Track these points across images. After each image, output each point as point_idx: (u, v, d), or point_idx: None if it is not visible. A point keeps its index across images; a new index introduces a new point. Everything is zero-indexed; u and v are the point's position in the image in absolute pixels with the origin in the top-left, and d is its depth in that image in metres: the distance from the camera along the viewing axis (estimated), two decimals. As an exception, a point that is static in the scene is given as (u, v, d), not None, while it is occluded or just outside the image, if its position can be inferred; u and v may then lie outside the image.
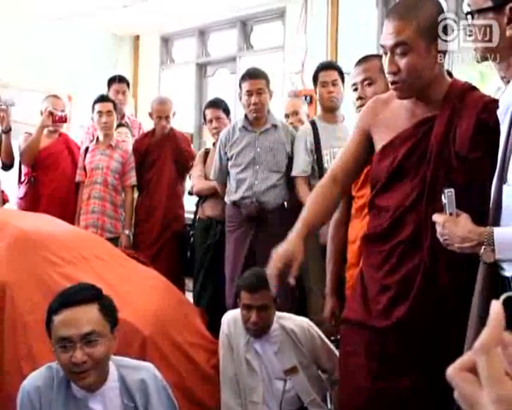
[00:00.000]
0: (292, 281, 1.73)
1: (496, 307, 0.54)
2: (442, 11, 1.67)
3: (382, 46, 1.69)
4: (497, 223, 1.46)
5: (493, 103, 1.66)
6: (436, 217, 1.50)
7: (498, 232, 1.41)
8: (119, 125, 4.39)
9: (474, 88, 1.76)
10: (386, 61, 1.68)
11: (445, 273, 1.66)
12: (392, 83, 1.69)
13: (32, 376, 1.79)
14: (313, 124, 3.28)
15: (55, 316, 1.70)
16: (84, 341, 1.67)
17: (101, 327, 1.72)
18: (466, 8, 1.54)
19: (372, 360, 1.79)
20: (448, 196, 1.47)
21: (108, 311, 1.77)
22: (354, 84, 2.50)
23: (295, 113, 3.78)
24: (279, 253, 1.75)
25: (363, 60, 2.46)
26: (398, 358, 1.75)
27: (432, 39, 1.63)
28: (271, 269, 1.73)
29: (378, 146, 1.83)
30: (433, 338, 1.70)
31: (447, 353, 1.64)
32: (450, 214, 1.48)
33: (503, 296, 0.55)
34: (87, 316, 1.70)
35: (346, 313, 1.93)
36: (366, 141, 1.86)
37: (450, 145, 1.66)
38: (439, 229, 1.49)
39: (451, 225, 1.47)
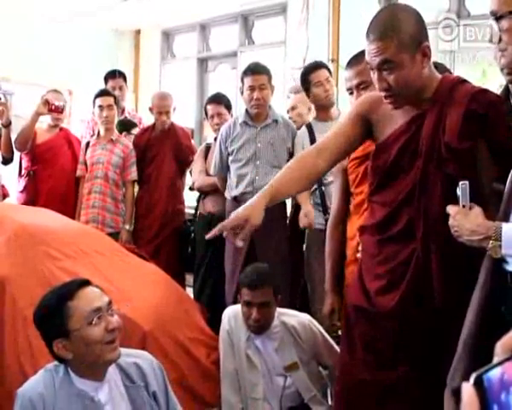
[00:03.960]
0: (239, 243, 1.73)
1: (468, 390, 0.52)
2: (419, 18, 1.70)
3: (368, 63, 1.71)
4: (507, 214, 1.46)
5: (482, 93, 1.68)
6: (449, 208, 1.53)
7: (506, 228, 1.41)
8: (132, 125, 4.36)
9: (464, 81, 1.77)
10: (375, 78, 1.71)
11: (437, 264, 1.67)
12: (386, 97, 1.72)
13: (32, 382, 1.77)
14: (309, 127, 3.27)
15: (71, 302, 1.73)
16: (109, 311, 1.76)
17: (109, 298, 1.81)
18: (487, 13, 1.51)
19: (367, 349, 1.81)
20: (462, 189, 1.50)
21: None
22: (349, 89, 2.46)
23: (293, 108, 3.76)
24: (237, 214, 1.72)
25: (354, 62, 2.39)
26: (390, 348, 1.77)
27: (415, 49, 1.66)
28: (222, 226, 1.71)
29: (377, 141, 1.85)
30: (424, 330, 1.72)
31: (439, 345, 1.68)
32: (463, 206, 1.49)
33: (473, 376, 0.54)
34: (98, 291, 1.79)
35: (347, 298, 1.95)
36: (363, 125, 1.85)
37: (440, 136, 1.67)
38: (450, 220, 1.52)
39: (462, 217, 1.49)
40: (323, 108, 3.30)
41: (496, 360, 0.54)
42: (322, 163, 1.83)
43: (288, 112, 3.80)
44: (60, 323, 1.72)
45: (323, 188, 3.18)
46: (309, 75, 3.26)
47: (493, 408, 0.51)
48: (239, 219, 1.71)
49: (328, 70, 3.35)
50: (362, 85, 2.34)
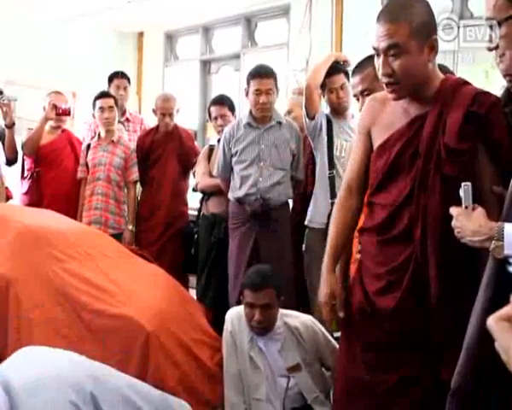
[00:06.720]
0: (341, 315, 1.91)
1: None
2: (431, 10, 1.72)
3: (374, 48, 1.71)
4: (510, 215, 1.46)
5: (484, 95, 1.69)
6: (452, 209, 1.53)
7: (509, 228, 1.41)
8: None
9: (466, 83, 1.78)
10: (379, 62, 1.70)
11: (434, 264, 1.68)
12: (387, 84, 1.72)
13: None
14: (328, 117, 3.24)
15: None
16: None
17: None
18: (485, 19, 1.52)
19: (367, 350, 1.82)
20: (465, 190, 1.51)
21: None
22: (355, 95, 2.53)
23: (289, 111, 3.77)
24: (323, 301, 1.92)
25: (359, 69, 2.46)
26: (391, 349, 1.77)
27: (424, 39, 1.66)
28: (326, 318, 1.94)
29: (375, 145, 1.86)
30: (424, 330, 1.72)
31: (439, 345, 1.69)
32: (466, 207, 1.50)
33: None
34: None
35: (347, 298, 1.96)
36: (370, 142, 1.88)
37: (440, 137, 1.68)
38: (453, 221, 1.53)
39: (464, 218, 1.50)
40: (336, 112, 3.28)
41: None
42: (356, 202, 1.93)
43: (284, 115, 3.79)
44: None
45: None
46: (326, 78, 3.22)
47: None
48: (330, 304, 1.92)
49: (346, 74, 3.22)
50: (365, 92, 2.39)
